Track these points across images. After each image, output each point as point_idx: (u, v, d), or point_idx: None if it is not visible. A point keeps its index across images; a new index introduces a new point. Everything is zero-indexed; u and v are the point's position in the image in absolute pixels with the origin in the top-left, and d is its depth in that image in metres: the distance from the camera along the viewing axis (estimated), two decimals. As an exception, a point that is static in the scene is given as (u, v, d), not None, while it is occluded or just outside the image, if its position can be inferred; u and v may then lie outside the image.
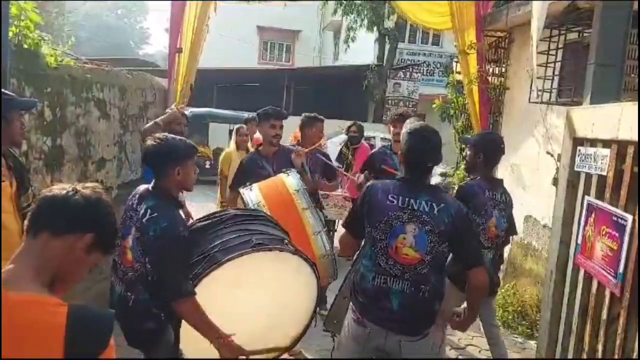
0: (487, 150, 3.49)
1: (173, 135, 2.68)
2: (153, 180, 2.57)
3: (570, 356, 2.83)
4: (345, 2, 15.08)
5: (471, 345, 4.77)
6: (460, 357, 4.59)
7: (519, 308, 5.21)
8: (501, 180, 3.65)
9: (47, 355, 1.20)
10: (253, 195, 3.48)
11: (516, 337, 5.00)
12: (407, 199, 2.51)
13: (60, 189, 1.43)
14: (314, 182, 4.50)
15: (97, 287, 3.78)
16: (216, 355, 2.50)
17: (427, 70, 17.68)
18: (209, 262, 2.60)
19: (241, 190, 3.66)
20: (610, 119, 2.59)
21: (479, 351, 4.62)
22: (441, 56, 17.81)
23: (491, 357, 3.77)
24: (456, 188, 3.53)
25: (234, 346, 2.43)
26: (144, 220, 2.43)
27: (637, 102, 2.42)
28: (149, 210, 2.44)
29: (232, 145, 6.48)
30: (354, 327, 2.64)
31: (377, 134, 13.59)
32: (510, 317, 5.21)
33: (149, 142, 2.56)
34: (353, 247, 2.79)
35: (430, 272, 2.51)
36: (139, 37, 38.46)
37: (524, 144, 5.65)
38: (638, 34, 4.05)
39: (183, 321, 2.47)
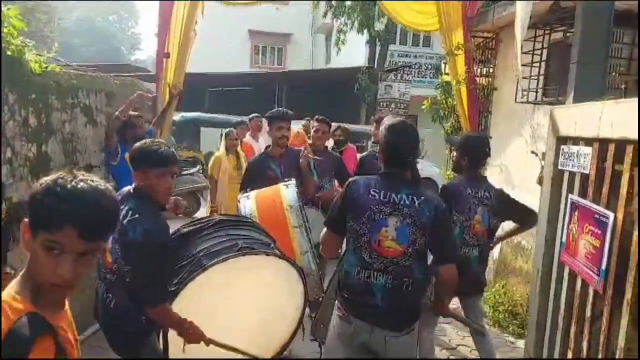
0: (471, 152, 3.55)
1: (160, 141, 2.67)
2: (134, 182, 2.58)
3: (557, 354, 2.84)
4: (334, 4, 15.08)
5: (462, 345, 4.78)
6: (451, 357, 4.59)
7: (510, 307, 5.23)
8: (485, 178, 3.69)
9: None
10: (248, 205, 3.51)
11: (507, 337, 5.01)
12: (388, 193, 2.54)
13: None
14: (330, 188, 4.67)
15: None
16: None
17: (418, 71, 17.72)
18: (195, 266, 2.61)
19: (239, 196, 3.71)
20: (592, 118, 2.60)
21: (470, 351, 4.62)
22: (432, 57, 17.86)
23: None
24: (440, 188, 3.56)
25: (198, 332, 2.45)
26: (124, 221, 2.41)
27: (616, 101, 2.44)
28: (130, 212, 2.44)
29: (222, 149, 6.48)
30: (339, 325, 2.65)
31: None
32: (501, 317, 5.22)
33: (137, 143, 2.57)
34: (337, 245, 2.78)
35: (412, 265, 2.53)
36: (131, 43, 38.41)
37: (512, 144, 5.68)
38: (639, 33, 4.06)
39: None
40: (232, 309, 2.77)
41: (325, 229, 2.78)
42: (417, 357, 3.82)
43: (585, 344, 2.51)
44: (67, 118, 4.03)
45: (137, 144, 2.56)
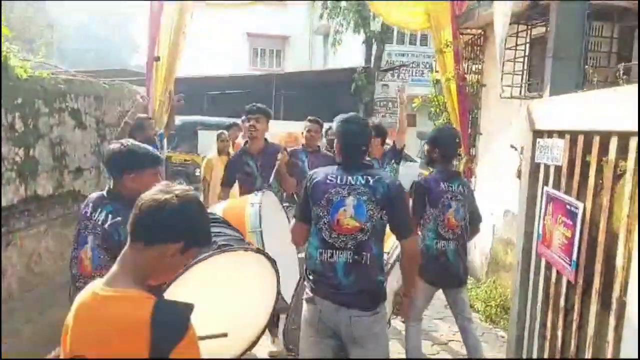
0: (443, 145, 3.63)
1: (136, 142, 2.63)
2: (107, 187, 2.57)
3: (535, 345, 2.87)
4: (330, 5, 15.13)
5: (453, 341, 4.81)
6: (442, 352, 4.62)
7: (501, 302, 5.26)
8: (458, 172, 3.79)
9: (136, 341, 1.36)
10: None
11: (498, 331, 5.04)
12: (344, 177, 2.72)
13: (158, 193, 1.54)
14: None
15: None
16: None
17: (416, 70, 17.74)
18: None
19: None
20: (564, 111, 2.64)
21: (461, 346, 4.64)
22: (430, 56, 17.86)
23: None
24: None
25: None
26: (105, 226, 2.42)
27: (585, 93, 2.47)
28: (109, 215, 2.43)
29: (214, 151, 6.53)
30: (306, 309, 2.77)
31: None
32: (492, 312, 5.25)
33: (111, 145, 2.57)
34: (303, 234, 2.86)
35: (370, 240, 2.65)
36: (129, 47, 38.53)
37: (501, 140, 5.70)
38: (639, 28, 4.07)
39: None
40: (211, 305, 2.81)
41: (293, 220, 2.93)
42: (404, 351, 3.87)
43: (559, 333, 2.54)
44: (55, 122, 4.08)
45: (119, 148, 2.49)
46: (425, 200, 3.56)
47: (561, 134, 2.71)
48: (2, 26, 3.51)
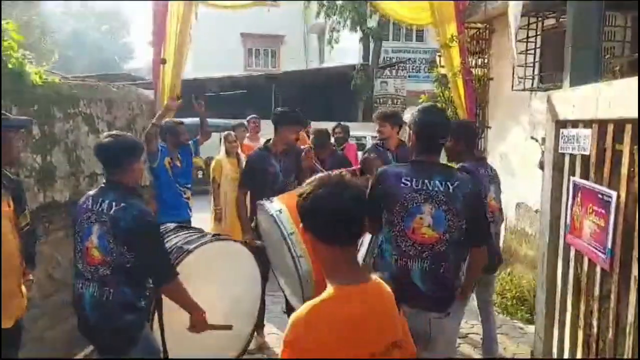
0: (467, 136, 3.64)
1: (123, 133, 2.79)
2: (104, 179, 2.67)
3: (567, 334, 2.88)
4: (327, 3, 15.13)
5: (472, 333, 4.81)
6: (462, 344, 4.62)
7: (517, 294, 5.26)
8: (484, 158, 3.78)
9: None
10: (275, 205, 3.29)
11: (516, 322, 5.04)
12: (420, 180, 2.52)
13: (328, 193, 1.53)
14: None
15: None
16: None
17: (412, 67, 17.78)
18: (178, 252, 2.91)
19: (259, 202, 3.49)
20: (589, 100, 2.64)
21: (480, 338, 4.65)
22: (426, 52, 17.90)
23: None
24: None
25: (205, 321, 2.67)
26: (110, 212, 2.49)
27: (611, 82, 2.48)
28: (113, 203, 2.51)
29: (222, 152, 6.52)
30: None
31: (368, 133, 13.63)
32: (509, 304, 5.25)
33: (104, 138, 2.64)
34: (375, 227, 2.70)
35: (448, 250, 2.51)
36: (124, 52, 38.41)
37: (511, 132, 5.72)
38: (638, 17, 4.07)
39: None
40: (208, 291, 2.98)
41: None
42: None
43: (595, 322, 2.54)
44: (69, 127, 4.06)
45: (121, 140, 2.60)
46: None
47: (587, 123, 2.72)
48: (12, 32, 3.50)
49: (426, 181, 2.52)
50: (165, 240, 2.97)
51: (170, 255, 2.83)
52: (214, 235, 3.36)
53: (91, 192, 2.68)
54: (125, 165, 2.59)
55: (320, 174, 1.60)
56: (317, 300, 1.49)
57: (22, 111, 3.48)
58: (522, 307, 5.13)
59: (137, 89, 5.68)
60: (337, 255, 1.54)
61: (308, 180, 1.57)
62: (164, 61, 5.66)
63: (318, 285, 2.83)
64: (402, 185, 2.53)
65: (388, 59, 17.48)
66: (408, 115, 3.06)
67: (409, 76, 16.64)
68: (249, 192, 4.39)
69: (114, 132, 2.72)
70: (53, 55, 5.22)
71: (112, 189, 2.59)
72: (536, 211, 5.32)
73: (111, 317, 2.52)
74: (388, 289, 1.62)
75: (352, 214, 1.53)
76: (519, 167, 5.59)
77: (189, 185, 5.06)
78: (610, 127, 2.48)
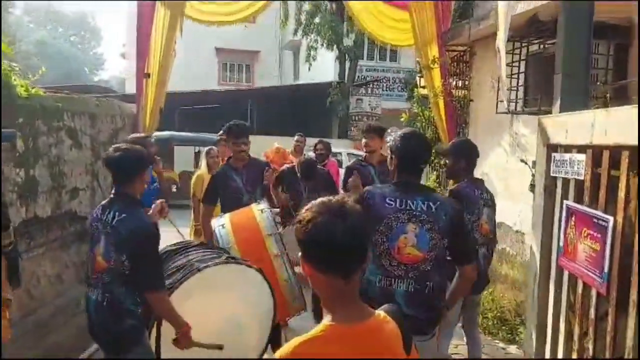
0: (468, 155, 3.66)
1: (132, 145, 2.92)
2: (113, 190, 2.75)
3: (560, 356, 2.91)
4: (304, 22, 15.26)
5: (455, 353, 4.83)
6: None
7: (498, 314, 5.31)
8: (482, 180, 3.82)
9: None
10: (224, 235, 3.59)
11: (497, 343, 5.09)
12: (404, 200, 2.57)
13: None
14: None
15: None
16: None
17: (386, 85, 18.03)
18: (188, 269, 2.92)
19: (213, 223, 3.82)
20: (584, 126, 2.70)
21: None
22: (399, 72, 18.20)
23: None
24: (448, 192, 3.68)
25: (189, 337, 2.70)
26: (113, 223, 2.62)
27: (608, 109, 2.55)
28: (116, 214, 2.64)
29: (204, 167, 6.43)
30: None
31: (343, 149, 13.72)
32: (490, 324, 5.29)
33: (114, 152, 2.73)
34: None
35: (433, 269, 2.56)
36: (93, 64, 37.84)
37: (491, 153, 5.81)
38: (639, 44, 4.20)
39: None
40: (214, 312, 2.97)
41: None
42: None
43: (590, 345, 2.58)
44: (53, 141, 3.96)
45: (130, 152, 2.73)
46: (462, 207, 3.59)
47: (581, 148, 2.78)
48: (3, 44, 3.41)
49: (409, 201, 2.58)
50: (183, 256, 3.09)
51: (182, 270, 2.90)
52: (232, 258, 3.24)
53: (103, 202, 2.81)
54: (133, 178, 2.72)
55: (320, 199, 1.47)
56: (308, 336, 1.39)
57: (6, 124, 3.38)
58: (503, 327, 5.18)
59: (119, 103, 5.59)
60: (339, 287, 1.43)
61: (307, 206, 1.48)
62: (147, 75, 5.61)
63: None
64: (387, 205, 2.59)
65: (362, 77, 17.69)
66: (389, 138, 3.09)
67: (383, 95, 16.87)
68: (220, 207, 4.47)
69: (122, 145, 2.85)
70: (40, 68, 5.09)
71: (119, 200, 2.72)
72: (517, 231, 5.41)
73: (110, 320, 2.64)
74: (393, 325, 1.52)
75: (355, 243, 1.42)
76: (500, 187, 5.68)
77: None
78: (606, 154, 2.54)
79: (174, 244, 3.40)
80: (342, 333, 1.40)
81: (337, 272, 1.42)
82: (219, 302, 2.97)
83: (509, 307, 5.21)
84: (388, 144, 2.84)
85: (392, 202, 2.58)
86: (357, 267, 1.47)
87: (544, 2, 4.06)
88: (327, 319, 1.43)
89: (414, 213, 2.56)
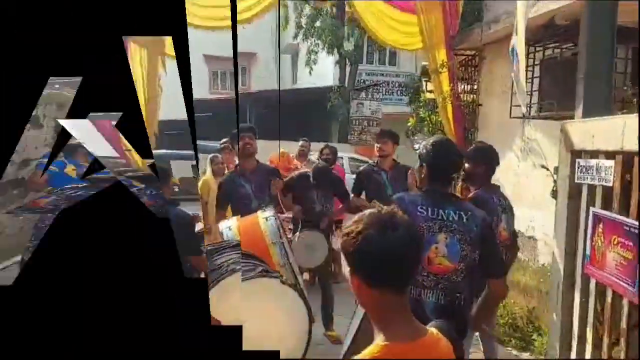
0: (490, 161, 3.59)
1: None
2: None
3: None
4: (304, 26, 15.21)
5: (469, 361, 4.76)
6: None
7: (510, 321, 5.24)
8: (498, 186, 3.74)
9: None
10: (231, 236, 3.62)
11: (509, 350, 5.02)
12: (435, 209, 2.52)
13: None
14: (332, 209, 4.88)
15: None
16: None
17: (386, 89, 17.97)
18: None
19: (220, 225, 3.84)
20: (613, 132, 2.65)
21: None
22: (398, 76, 18.15)
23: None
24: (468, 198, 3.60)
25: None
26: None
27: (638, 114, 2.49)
28: None
29: (209, 173, 6.36)
30: None
31: (344, 154, 13.64)
32: (501, 330, 5.23)
33: None
34: None
35: (463, 281, 2.50)
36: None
37: (502, 158, 5.74)
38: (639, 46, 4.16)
39: None
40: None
41: None
42: None
43: (622, 355, 2.52)
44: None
45: None
46: None
47: (609, 154, 2.73)
48: None
49: (440, 210, 2.53)
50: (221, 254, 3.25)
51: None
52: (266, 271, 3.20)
53: None
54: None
55: (369, 210, 1.42)
56: (361, 356, 1.33)
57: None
58: (515, 334, 5.11)
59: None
60: (390, 302, 1.37)
61: (355, 218, 1.42)
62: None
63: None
64: (418, 213, 2.52)
65: (362, 81, 17.64)
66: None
67: (382, 99, 16.82)
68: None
69: None
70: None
71: None
72: (529, 237, 5.35)
73: None
74: (445, 342, 1.45)
75: (408, 255, 1.37)
76: (510, 192, 5.63)
77: None
78: (637, 159, 2.49)
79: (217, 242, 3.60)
80: (398, 353, 1.33)
81: (389, 285, 1.36)
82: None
83: (521, 314, 5.14)
84: (417, 152, 2.76)
85: (423, 211, 2.52)
86: (409, 279, 1.42)
87: (566, 2, 3.99)
88: (379, 339, 1.36)
89: (446, 222, 2.50)
